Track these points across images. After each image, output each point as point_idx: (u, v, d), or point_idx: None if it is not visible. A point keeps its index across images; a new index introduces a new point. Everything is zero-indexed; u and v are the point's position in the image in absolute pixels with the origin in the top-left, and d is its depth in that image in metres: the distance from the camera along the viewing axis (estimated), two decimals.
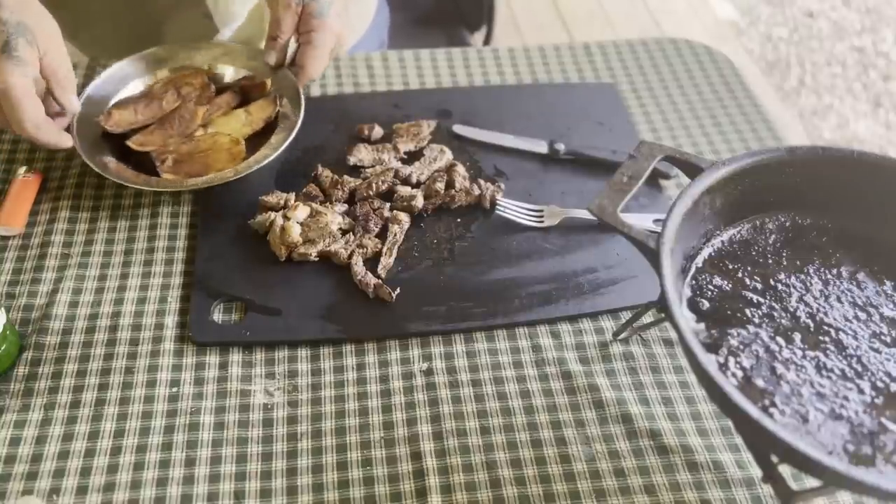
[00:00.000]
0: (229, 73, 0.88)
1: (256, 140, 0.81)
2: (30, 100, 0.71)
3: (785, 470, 0.57)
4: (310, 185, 0.80)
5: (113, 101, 0.83)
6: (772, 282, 0.62)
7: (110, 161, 0.78)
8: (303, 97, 0.83)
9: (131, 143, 0.79)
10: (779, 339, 0.58)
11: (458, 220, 0.78)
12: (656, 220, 0.75)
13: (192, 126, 0.81)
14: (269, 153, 0.78)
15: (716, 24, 2.59)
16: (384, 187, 0.79)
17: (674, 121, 0.91)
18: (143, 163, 0.79)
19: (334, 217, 0.75)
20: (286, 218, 0.74)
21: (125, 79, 0.86)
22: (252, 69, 0.87)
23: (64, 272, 0.73)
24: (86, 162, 0.77)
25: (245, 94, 0.86)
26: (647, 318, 0.68)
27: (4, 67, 0.69)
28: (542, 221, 0.77)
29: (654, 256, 0.56)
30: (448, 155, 0.83)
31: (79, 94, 0.80)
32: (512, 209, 0.77)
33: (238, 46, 0.89)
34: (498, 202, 0.78)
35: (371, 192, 0.78)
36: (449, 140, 0.86)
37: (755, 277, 0.62)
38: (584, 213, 0.77)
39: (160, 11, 0.95)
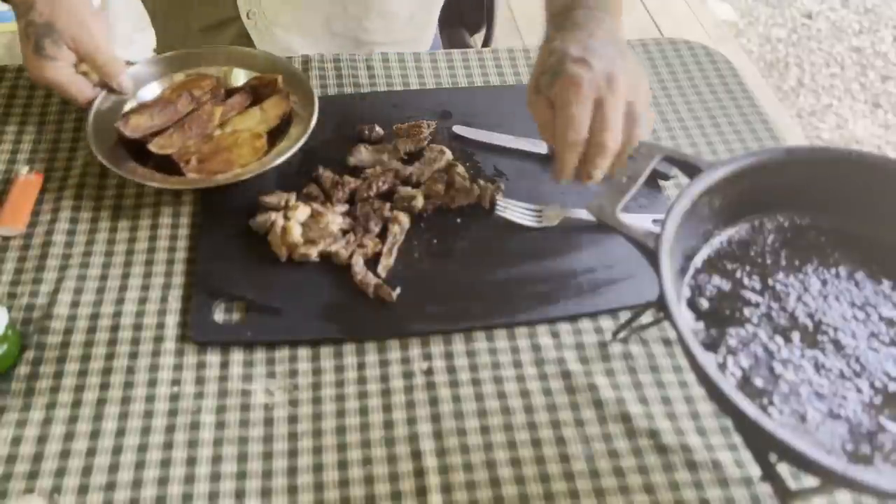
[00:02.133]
0: (240, 76, 0.89)
1: (274, 137, 0.82)
2: (71, 83, 0.80)
3: (784, 469, 0.57)
4: (310, 185, 0.80)
5: (128, 107, 0.84)
6: (770, 282, 0.62)
7: (135, 166, 0.78)
8: (315, 92, 0.84)
9: (152, 147, 0.79)
10: (777, 338, 0.58)
11: (458, 220, 0.78)
12: (655, 221, 0.76)
13: (209, 126, 0.82)
14: (291, 145, 0.79)
15: (714, 25, 2.60)
16: (384, 188, 0.79)
17: (673, 121, 0.91)
18: (162, 166, 0.79)
19: (335, 217, 0.76)
20: (287, 218, 0.75)
21: (142, 81, 0.86)
22: (263, 71, 0.88)
23: (65, 272, 0.73)
24: (108, 167, 0.77)
25: (256, 93, 0.86)
26: (647, 317, 0.68)
27: (39, 65, 0.78)
28: (541, 221, 0.77)
29: (653, 256, 0.56)
30: (448, 155, 0.83)
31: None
32: (511, 209, 0.78)
33: (253, 51, 0.91)
34: (497, 202, 0.78)
35: (371, 193, 0.79)
36: (449, 140, 0.86)
37: (754, 277, 0.62)
38: (583, 213, 0.77)
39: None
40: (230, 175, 0.77)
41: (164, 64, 0.89)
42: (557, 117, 0.63)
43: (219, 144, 0.80)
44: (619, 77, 0.63)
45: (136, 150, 0.80)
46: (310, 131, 0.81)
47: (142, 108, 0.83)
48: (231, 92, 0.86)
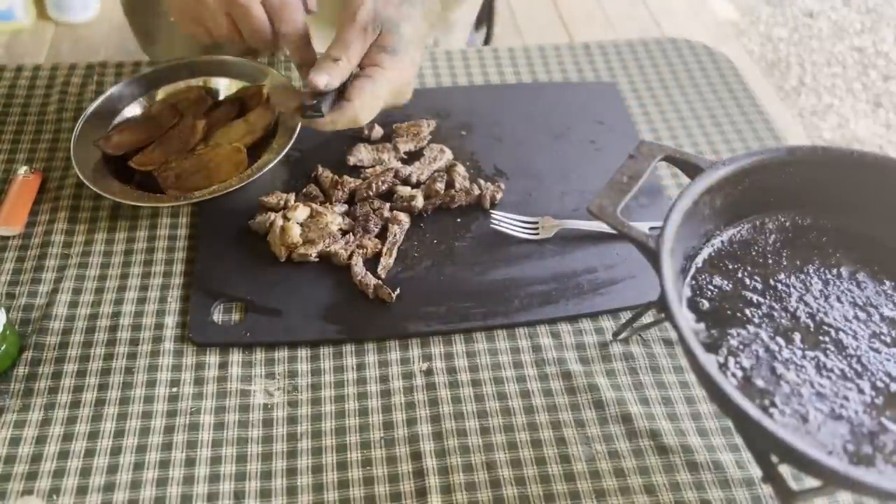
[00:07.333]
0: (223, 84, 0.88)
1: (259, 148, 0.81)
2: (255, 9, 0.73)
3: (785, 470, 0.57)
4: (310, 185, 0.80)
5: (112, 125, 0.83)
6: (772, 282, 0.62)
7: (114, 183, 0.77)
8: None
9: (133, 164, 0.79)
10: (779, 339, 0.58)
11: (458, 220, 0.78)
12: (652, 228, 0.75)
13: (192, 141, 0.81)
14: (272, 158, 0.78)
15: (716, 25, 2.59)
16: (384, 187, 0.79)
17: (674, 121, 0.91)
18: (146, 182, 0.78)
19: (334, 217, 0.75)
20: (286, 218, 0.74)
21: (122, 101, 0.85)
22: (247, 79, 0.87)
23: (64, 272, 0.73)
24: (89, 187, 0.76)
25: (242, 103, 0.85)
26: (647, 318, 0.68)
27: None
28: (537, 234, 0.76)
29: (653, 256, 0.56)
30: (448, 155, 0.83)
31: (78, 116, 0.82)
32: (506, 223, 0.77)
33: (233, 59, 0.89)
34: (492, 215, 0.77)
35: (371, 193, 0.78)
36: (448, 140, 0.86)
37: (755, 277, 0.62)
38: (579, 224, 0.76)
39: None
40: (206, 192, 0.75)
41: (149, 80, 0.87)
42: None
43: (199, 160, 0.79)
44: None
45: (124, 163, 0.80)
46: (291, 143, 0.79)
47: (126, 124, 0.82)
48: (217, 103, 0.85)
